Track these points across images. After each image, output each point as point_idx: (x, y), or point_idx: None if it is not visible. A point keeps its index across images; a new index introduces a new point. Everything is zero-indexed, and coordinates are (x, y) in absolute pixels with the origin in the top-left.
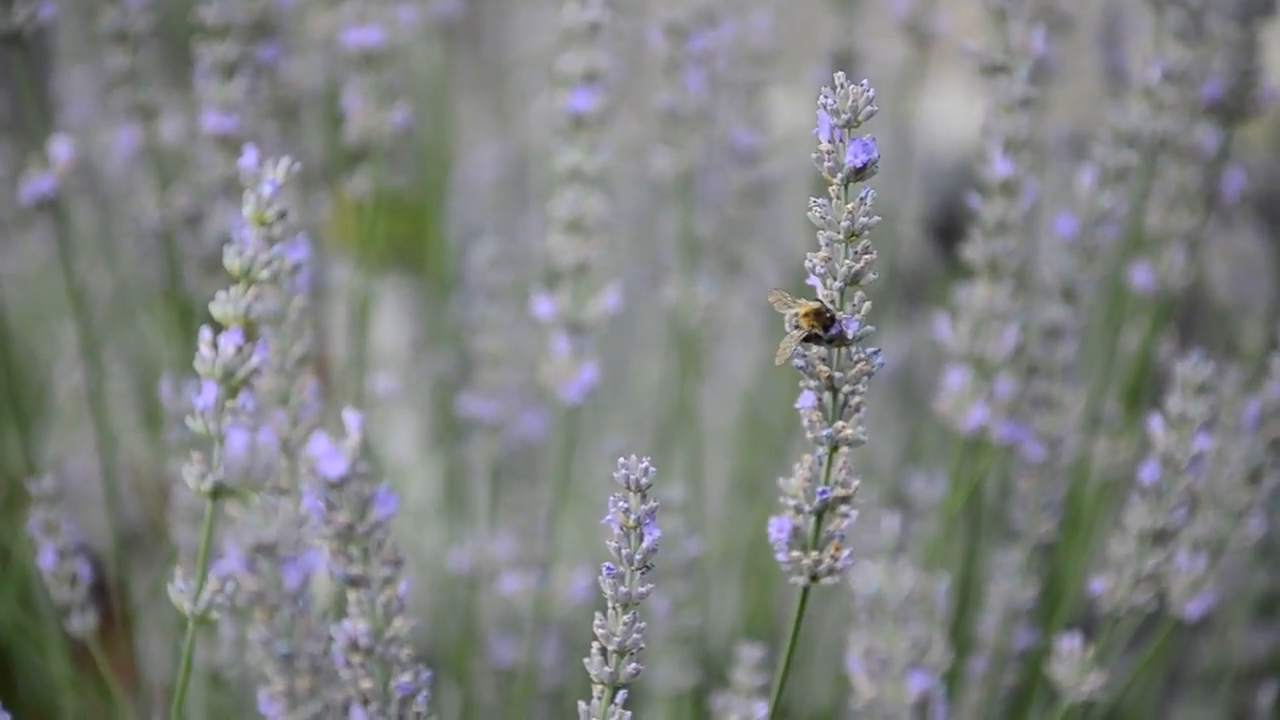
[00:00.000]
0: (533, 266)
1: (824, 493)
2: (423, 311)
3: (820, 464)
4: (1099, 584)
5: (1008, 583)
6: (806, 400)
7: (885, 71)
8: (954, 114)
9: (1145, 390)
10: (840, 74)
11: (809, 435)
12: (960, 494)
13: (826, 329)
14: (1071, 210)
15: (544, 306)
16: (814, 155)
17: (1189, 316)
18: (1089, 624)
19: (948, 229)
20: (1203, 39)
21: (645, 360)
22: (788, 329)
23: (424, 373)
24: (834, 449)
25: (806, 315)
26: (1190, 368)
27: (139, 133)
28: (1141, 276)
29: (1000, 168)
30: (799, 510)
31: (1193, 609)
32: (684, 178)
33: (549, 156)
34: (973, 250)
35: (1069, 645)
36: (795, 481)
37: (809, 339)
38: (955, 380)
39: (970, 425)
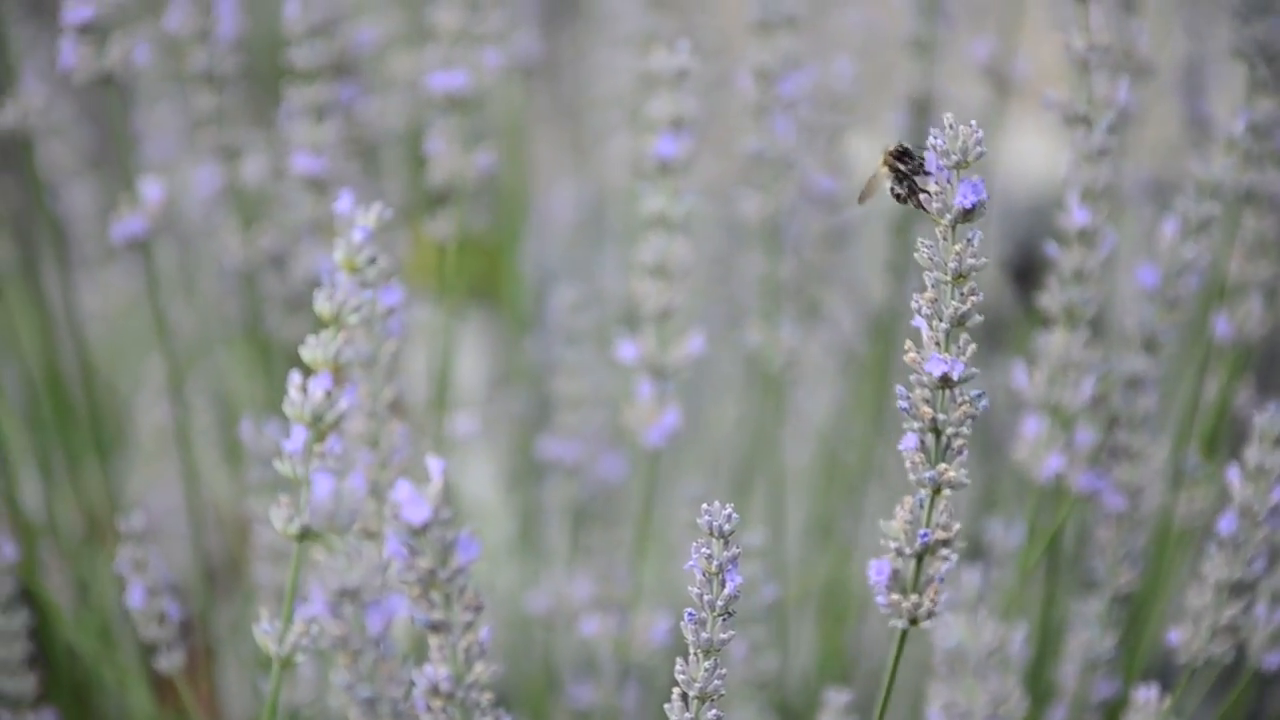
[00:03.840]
0: (610, 306)
1: (925, 535)
2: (500, 348)
3: (921, 506)
4: (1176, 635)
5: (1087, 632)
6: (909, 442)
7: (963, 115)
8: (1031, 153)
9: (1223, 439)
10: (948, 115)
11: (911, 477)
12: (1038, 543)
13: (902, 160)
14: (1153, 260)
15: (628, 350)
16: (923, 196)
17: (1265, 366)
18: (1167, 673)
19: (1025, 271)
20: None
21: (721, 402)
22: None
23: (501, 412)
24: (936, 491)
25: (885, 159)
26: (1268, 419)
27: (222, 172)
28: (1221, 325)
29: (1078, 217)
30: (899, 553)
31: (1272, 660)
32: (769, 222)
33: (626, 196)
34: (1049, 299)
35: (1145, 696)
36: (895, 524)
37: (898, 177)
38: (1032, 429)
39: (1046, 474)
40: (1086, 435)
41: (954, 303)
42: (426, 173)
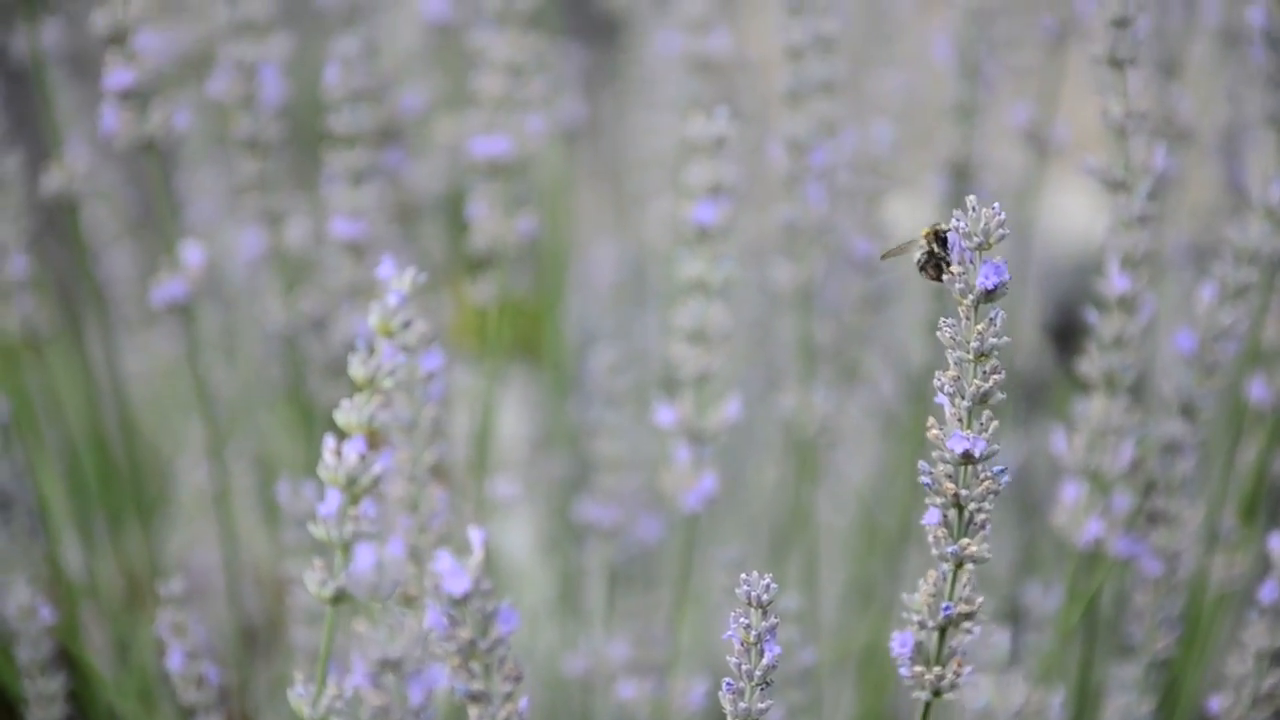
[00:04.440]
0: (650, 367)
1: (948, 609)
2: (542, 407)
3: (944, 580)
4: (1216, 702)
5: (1124, 697)
6: (932, 517)
7: (1004, 179)
8: (1073, 211)
9: (1261, 504)
10: (971, 197)
11: (934, 551)
12: (1076, 607)
13: (942, 245)
14: (1191, 325)
15: (665, 415)
16: (945, 278)
17: None
18: None
19: (1066, 332)
20: None
21: (761, 464)
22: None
23: (541, 473)
24: (959, 566)
25: (927, 234)
26: None
27: (265, 237)
28: (1258, 390)
29: (1118, 283)
30: (922, 625)
31: None
32: (803, 289)
33: (667, 257)
34: (1089, 365)
35: None
36: (919, 597)
37: (931, 257)
38: (1071, 494)
39: (1085, 540)
40: (1124, 500)
41: (976, 381)
42: (469, 237)
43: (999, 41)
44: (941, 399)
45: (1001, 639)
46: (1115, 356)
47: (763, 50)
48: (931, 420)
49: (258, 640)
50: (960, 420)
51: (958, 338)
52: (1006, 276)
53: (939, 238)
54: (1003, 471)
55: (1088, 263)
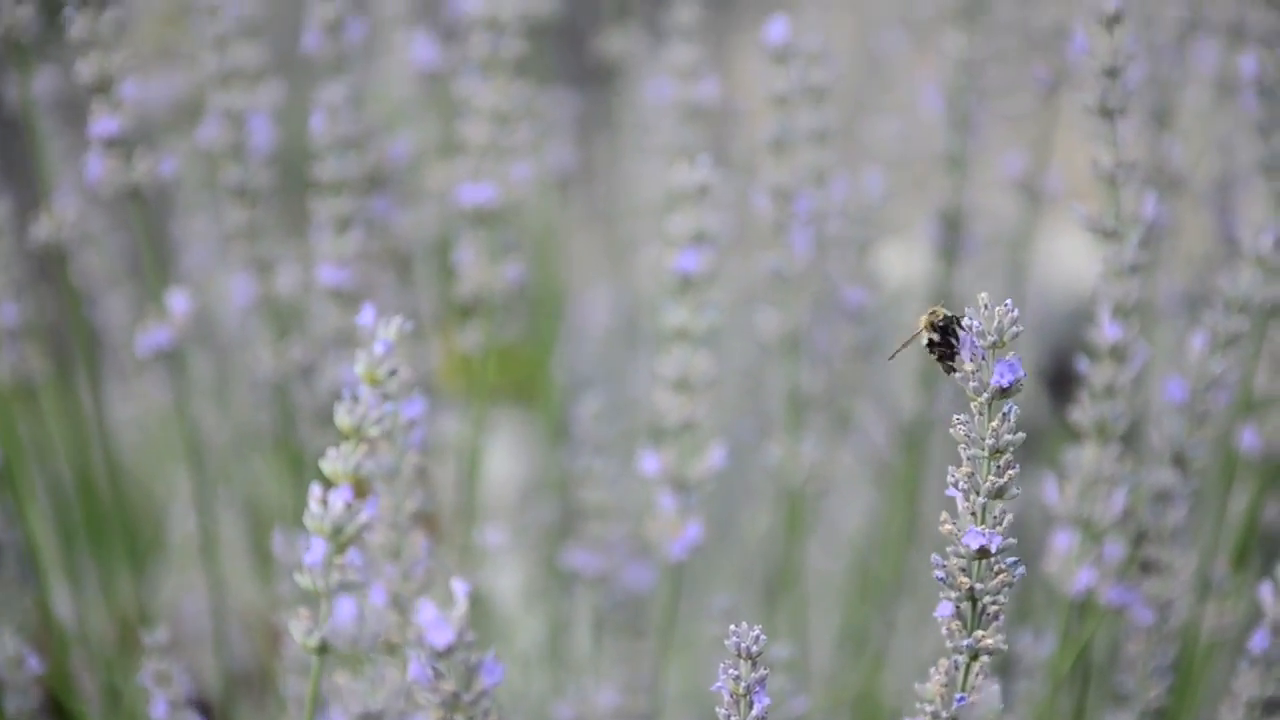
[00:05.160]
0: (641, 414)
1: (961, 699)
2: (534, 452)
3: (957, 670)
4: None
5: None
6: (945, 610)
7: (997, 224)
8: (1068, 254)
9: (1253, 552)
10: (984, 295)
11: (948, 644)
12: (1068, 655)
13: (943, 332)
14: (1182, 374)
15: (650, 464)
16: (958, 376)
17: None
18: None
19: (1060, 378)
20: None
21: (754, 512)
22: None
23: (531, 519)
24: (973, 658)
25: (925, 323)
26: None
27: (255, 284)
28: (1249, 439)
29: (1110, 332)
30: (935, 717)
31: None
32: (790, 338)
33: (656, 305)
34: (1080, 413)
35: None
36: (932, 687)
37: (932, 344)
38: (1063, 542)
39: (1077, 588)
40: (1116, 549)
41: (991, 477)
42: (455, 283)
43: (991, 89)
44: (954, 492)
45: (992, 693)
46: (1107, 405)
47: (756, 99)
48: (945, 515)
49: (248, 688)
50: (974, 515)
51: (971, 434)
52: (1022, 374)
53: (938, 328)
54: (1017, 563)
55: (1083, 308)
